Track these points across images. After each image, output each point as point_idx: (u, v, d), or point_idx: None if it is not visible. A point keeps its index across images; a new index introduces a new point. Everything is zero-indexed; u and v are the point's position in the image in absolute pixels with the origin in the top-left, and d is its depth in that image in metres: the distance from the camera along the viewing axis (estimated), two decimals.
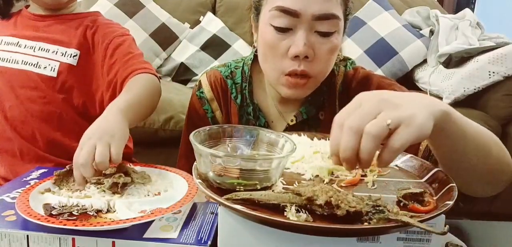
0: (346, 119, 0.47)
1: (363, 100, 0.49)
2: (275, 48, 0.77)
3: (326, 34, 0.76)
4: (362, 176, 0.60)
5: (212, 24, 2.19)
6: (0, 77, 0.97)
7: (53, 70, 0.96)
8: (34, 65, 0.96)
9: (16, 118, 0.97)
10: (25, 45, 0.97)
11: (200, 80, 0.94)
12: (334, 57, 0.80)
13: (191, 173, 0.60)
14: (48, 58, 0.97)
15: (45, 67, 0.96)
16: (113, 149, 0.64)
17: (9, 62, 0.97)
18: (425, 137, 0.48)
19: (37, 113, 0.97)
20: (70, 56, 0.97)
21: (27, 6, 1.04)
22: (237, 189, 0.51)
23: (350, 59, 0.92)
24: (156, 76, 0.95)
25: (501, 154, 0.61)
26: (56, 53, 0.97)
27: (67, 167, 0.66)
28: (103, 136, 0.66)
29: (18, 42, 0.98)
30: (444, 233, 0.44)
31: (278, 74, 0.79)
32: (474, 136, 0.56)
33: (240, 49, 2.13)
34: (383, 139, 0.46)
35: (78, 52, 0.98)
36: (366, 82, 0.86)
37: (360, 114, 0.47)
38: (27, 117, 0.97)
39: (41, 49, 0.97)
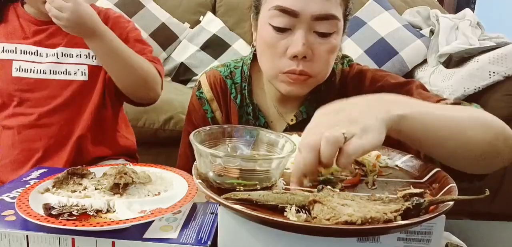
0: (304, 139, 0.51)
1: (319, 117, 0.54)
2: (274, 48, 0.77)
3: (325, 35, 0.75)
4: (362, 176, 0.60)
5: (212, 24, 2.19)
6: (26, 87, 0.97)
7: (84, 74, 0.99)
8: (63, 73, 0.98)
9: (46, 126, 0.98)
10: (47, 54, 0.98)
11: (199, 81, 0.94)
12: (333, 57, 0.80)
13: (191, 173, 0.60)
14: (74, 63, 0.99)
15: (75, 73, 0.98)
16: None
17: (35, 73, 0.97)
18: (379, 145, 0.51)
19: (70, 119, 0.99)
20: (91, 57, 1.00)
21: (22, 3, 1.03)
22: (237, 189, 0.51)
23: (348, 57, 0.92)
24: (159, 72, 1.02)
25: (490, 132, 0.60)
26: (80, 56, 0.99)
27: (66, 171, 0.66)
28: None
29: (37, 50, 0.98)
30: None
31: (276, 72, 0.79)
32: (443, 125, 0.57)
33: (240, 49, 2.13)
34: (340, 146, 0.49)
35: None
36: (360, 77, 0.86)
37: (316, 132, 0.51)
38: (57, 125, 0.98)
39: (65, 55, 0.99)
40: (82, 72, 0.99)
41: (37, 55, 0.98)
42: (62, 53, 0.98)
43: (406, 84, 0.81)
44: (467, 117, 0.61)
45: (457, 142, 0.58)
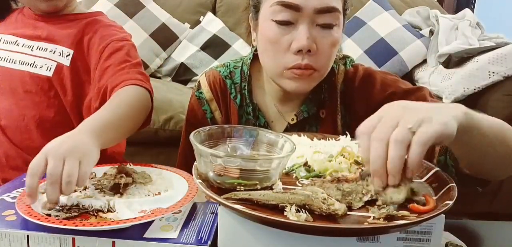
0: (372, 131, 0.48)
1: (385, 112, 0.50)
2: (277, 43, 0.77)
3: (327, 27, 0.76)
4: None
5: (212, 24, 2.19)
6: None
7: (49, 70, 0.94)
8: (30, 65, 0.94)
9: (10, 121, 0.95)
10: (24, 44, 0.95)
11: (199, 81, 0.94)
12: (335, 51, 0.80)
13: (190, 173, 0.60)
14: (45, 57, 0.94)
15: (41, 67, 0.94)
16: (83, 168, 0.57)
17: (7, 61, 0.95)
18: (450, 136, 0.49)
19: (31, 116, 0.95)
20: (65, 56, 0.95)
21: None
22: (237, 189, 0.51)
23: (349, 57, 0.92)
24: (148, 89, 0.88)
25: None
26: (53, 53, 0.95)
27: None
28: (74, 151, 0.58)
29: (17, 40, 0.96)
30: None
31: (280, 69, 0.78)
32: (490, 129, 0.58)
33: (240, 49, 2.13)
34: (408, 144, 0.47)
35: (71, 52, 0.95)
36: (369, 80, 0.86)
37: (384, 126, 0.48)
38: (20, 120, 0.95)
39: (39, 49, 0.95)
40: (48, 67, 0.93)
41: (14, 44, 0.95)
42: (37, 47, 0.95)
43: (418, 90, 0.82)
44: (502, 123, 0.63)
45: (500, 141, 0.60)
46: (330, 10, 0.75)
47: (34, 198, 0.56)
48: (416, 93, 0.81)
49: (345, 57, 0.91)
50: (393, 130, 0.47)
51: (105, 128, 0.70)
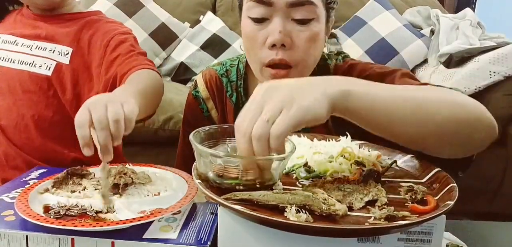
0: (241, 125, 0.48)
1: (253, 97, 0.50)
2: (254, 39, 0.77)
3: (303, 22, 0.75)
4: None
5: (212, 24, 2.19)
6: None
7: (49, 69, 0.94)
8: (30, 64, 0.94)
9: (9, 120, 0.95)
10: (23, 44, 0.96)
11: (196, 80, 0.94)
12: (315, 46, 0.78)
13: (189, 173, 0.60)
14: (44, 56, 0.95)
15: (41, 66, 0.94)
16: (127, 110, 0.57)
17: (5, 61, 0.95)
18: (318, 118, 0.48)
19: (30, 115, 0.95)
20: (64, 55, 0.95)
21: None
22: (237, 189, 0.51)
23: (343, 53, 0.91)
24: (159, 74, 0.92)
25: (459, 113, 0.58)
26: (53, 52, 0.95)
27: (66, 171, 0.66)
28: (115, 99, 0.58)
29: (16, 40, 0.96)
30: None
31: (259, 66, 0.78)
32: (399, 105, 0.54)
33: (240, 48, 2.13)
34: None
35: (70, 50, 0.96)
36: (350, 70, 0.84)
37: (249, 117, 0.48)
38: (20, 119, 0.95)
39: (38, 48, 0.95)
40: (47, 66, 0.94)
41: (13, 44, 0.96)
42: (37, 46, 0.96)
43: (391, 73, 0.79)
44: (433, 97, 0.58)
45: (418, 121, 0.56)
46: (303, 3, 0.73)
47: (91, 148, 0.56)
48: (389, 76, 0.78)
49: (339, 53, 0.91)
50: (256, 120, 0.47)
51: (139, 96, 0.70)
